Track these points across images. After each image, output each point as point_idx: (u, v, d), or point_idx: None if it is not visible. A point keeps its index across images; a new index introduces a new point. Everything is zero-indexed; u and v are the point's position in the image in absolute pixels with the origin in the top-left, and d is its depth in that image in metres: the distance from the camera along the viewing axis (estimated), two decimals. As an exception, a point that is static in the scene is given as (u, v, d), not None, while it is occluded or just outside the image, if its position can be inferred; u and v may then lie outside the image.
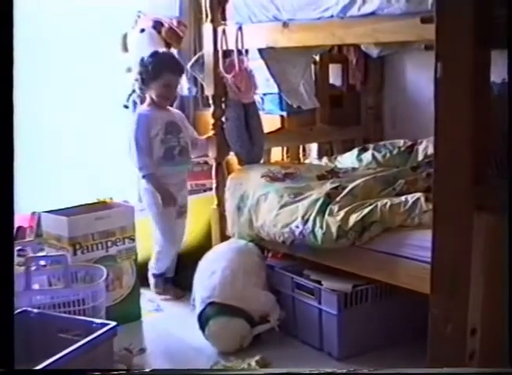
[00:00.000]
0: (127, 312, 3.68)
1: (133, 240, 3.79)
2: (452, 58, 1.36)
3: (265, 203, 3.61)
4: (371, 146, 4.19)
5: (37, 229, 4.11)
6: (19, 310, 2.86)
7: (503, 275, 1.81)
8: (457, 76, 1.35)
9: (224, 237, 4.01)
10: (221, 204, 4.07)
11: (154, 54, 4.04)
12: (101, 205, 3.89)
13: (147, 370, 2.96)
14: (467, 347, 1.37)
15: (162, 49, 4.28)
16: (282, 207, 3.49)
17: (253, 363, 3.09)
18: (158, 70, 3.93)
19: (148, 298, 4.07)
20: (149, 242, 4.09)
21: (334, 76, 4.76)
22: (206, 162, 4.72)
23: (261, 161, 4.18)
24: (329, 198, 3.34)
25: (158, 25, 4.93)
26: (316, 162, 4.27)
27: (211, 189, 4.35)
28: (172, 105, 4.39)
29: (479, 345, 1.41)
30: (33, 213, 4.19)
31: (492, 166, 1.39)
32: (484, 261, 1.43)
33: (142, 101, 4.67)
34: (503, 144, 1.39)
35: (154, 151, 3.93)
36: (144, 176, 3.93)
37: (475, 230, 1.35)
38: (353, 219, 3.15)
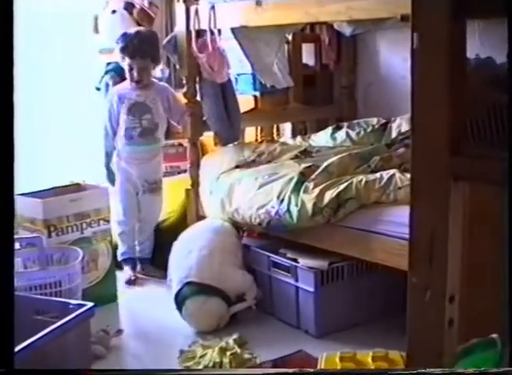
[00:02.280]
0: (103, 294, 3.66)
1: (108, 222, 3.78)
2: (428, 29, 1.37)
3: (239, 187, 3.62)
4: (345, 124, 4.19)
5: None
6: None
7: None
8: (434, 46, 1.35)
9: (199, 218, 4.01)
10: (195, 184, 4.06)
11: (122, 36, 4.04)
12: (75, 188, 3.87)
13: (142, 370, 2.93)
14: (445, 314, 1.38)
15: (135, 29, 4.19)
16: (258, 188, 3.49)
17: (230, 342, 3.09)
18: (121, 53, 4.00)
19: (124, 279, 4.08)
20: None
21: (307, 55, 4.75)
22: (180, 144, 4.70)
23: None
24: (304, 176, 3.35)
25: (129, 6, 4.89)
26: (290, 141, 4.27)
27: (185, 171, 4.35)
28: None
29: (458, 313, 1.43)
30: None
31: (469, 137, 1.39)
32: (461, 230, 1.45)
33: (114, 83, 4.66)
34: (480, 115, 1.40)
35: (118, 129, 4.06)
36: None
37: (452, 199, 1.36)
38: (328, 196, 3.16)
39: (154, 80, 4.20)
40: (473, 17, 1.44)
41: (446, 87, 1.37)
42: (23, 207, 3.63)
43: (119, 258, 4.11)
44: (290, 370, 1.56)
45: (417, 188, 1.40)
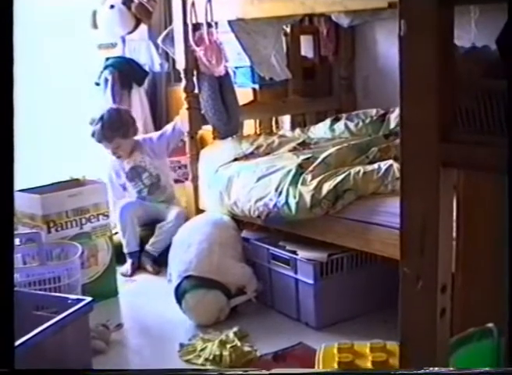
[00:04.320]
0: (103, 289, 3.66)
1: (107, 216, 3.78)
2: (415, 15, 1.35)
3: (238, 180, 3.62)
4: (343, 116, 4.18)
5: None
6: (-7, 289, 2.84)
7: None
8: (421, 33, 1.34)
9: (198, 211, 4.01)
10: (195, 178, 4.06)
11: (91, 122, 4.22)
12: (74, 183, 3.86)
13: (140, 370, 2.92)
14: (437, 304, 1.37)
15: (101, 112, 4.25)
16: (256, 181, 3.49)
17: (231, 335, 3.09)
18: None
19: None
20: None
21: (306, 47, 4.74)
22: (181, 139, 4.70)
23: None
24: (302, 168, 3.34)
25: (127, 1, 4.91)
26: (289, 133, 4.26)
27: (185, 166, 4.36)
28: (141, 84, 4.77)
29: (451, 302, 1.42)
30: None
31: (459, 124, 1.38)
32: (452, 217, 1.44)
33: (114, 80, 4.68)
34: (469, 102, 1.39)
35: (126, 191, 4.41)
36: None
37: (442, 186, 1.35)
38: (326, 187, 3.16)
39: (136, 139, 4.36)
40: (461, 3, 1.43)
41: (434, 74, 1.35)
42: (23, 203, 3.63)
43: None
44: (301, 370, 1.55)
45: (407, 176, 1.39)
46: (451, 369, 1.46)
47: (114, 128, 4.16)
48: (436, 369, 1.37)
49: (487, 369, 1.57)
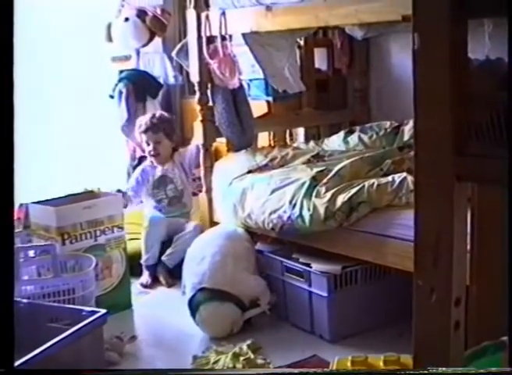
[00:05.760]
0: (118, 301, 3.66)
1: (122, 228, 3.78)
2: (429, 29, 1.36)
3: (252, 192, 3.62)
4: (357, 128, 4.18)
5: (25, 220, 4.09)
6: (8, 300, 2.85)
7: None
8: (435, 45, 1.34)
9: (213, 223, 4.01)
10: (209, 190, 4.07)
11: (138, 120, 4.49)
12: (89, 195, 3.87)
13: (141, 369, 2.94)
14: (451, 317, 1.37)
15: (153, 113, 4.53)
16: (270, 193, 3.49)
17: (244, 348, 3.09)
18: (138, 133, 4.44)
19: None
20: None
21: (320, 60, 4.75)
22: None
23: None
24: (316, 180, 3.34)
25: (142, 14, 4.92)
26: (303, 146, 4.27)
27: (199, 178, 4.36)
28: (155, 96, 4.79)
29: (464, 316, 1.41)
30: (21, 205, 4.17)
31: (473, 137, 1.38)
32: (466, 230, 1.44)
33: (128, 92, 4.71)
34: (483, 115, 1.39)
35: (146, 201, 4.48)
36: None
37: (456, 200, 1.35)
38: (340, 199, 3.15)
39: (172, 150, 4.49)
40: (475, 17, 1.43)
41: (448, 87, 1.36)
42: (38, 215, 3.66)
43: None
44: (295, 370, 1.55)
45: (421, 189, 1.39)
46: (457, 368, 1.45)
47: (163, 120, 4.38)
48: (441, 369, 1.37)
49: (490, 369, 1.56)
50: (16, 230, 4.11)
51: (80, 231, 3.60)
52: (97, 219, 3.67)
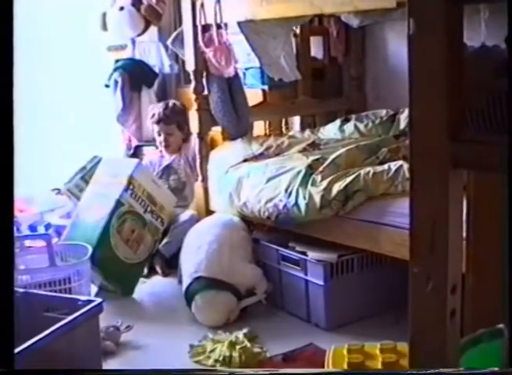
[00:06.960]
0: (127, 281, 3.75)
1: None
2: (424, 14, 1.34)
3: (247, 181, 3.61)
4: (353, 117, 4.17)
5: None
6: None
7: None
8: (430, 31, 1.33)
9: (209, 212, 4.00)
10: (204, 179, 4.06)
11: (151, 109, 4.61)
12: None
13: (144, 369, 2.92)
14: (447, 305, 1.37)
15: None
16: (266, 182, 3.48)
17: (240, 336, 3.09)
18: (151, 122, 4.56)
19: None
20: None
21: (315, 48, 4.73)
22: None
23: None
24: (311, 169, 3.33)
25: (137, 2, 4.90)
26: (298, 134, 4.25)
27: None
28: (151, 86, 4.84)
29: (460, 303, 1.41)
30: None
31: (469, 123, 1.38)
32: (462, 218, 1.43)
33: (124, 82, 4.70)
34: (479, 101, 1.38)
35: None
36: None
37: (452, 187, 1.34)
38: (336, 188, 3.15)
39: (182, 142, 4.57)
40: (470, 1, 1.42)
41: (444, 74, 1.35)
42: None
43: None
44: (310, 370, 1.54)
45: (417, 177, 1.38)
46: (460, 369, 1.45)
47: (176, 112, 4.49)
48: (445, 369, 1.37)
49: (495, 369, 1.56)
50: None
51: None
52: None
